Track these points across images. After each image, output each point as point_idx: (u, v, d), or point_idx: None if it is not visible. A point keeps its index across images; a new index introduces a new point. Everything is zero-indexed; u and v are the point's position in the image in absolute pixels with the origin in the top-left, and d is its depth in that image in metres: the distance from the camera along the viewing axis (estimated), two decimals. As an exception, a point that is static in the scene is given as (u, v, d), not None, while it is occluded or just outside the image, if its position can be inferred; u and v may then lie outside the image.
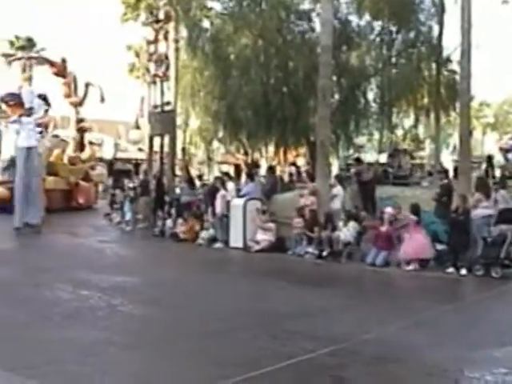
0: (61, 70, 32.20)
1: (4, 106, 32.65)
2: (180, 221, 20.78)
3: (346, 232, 16.35)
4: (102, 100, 33.22)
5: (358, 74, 25.31)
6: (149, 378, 6.85)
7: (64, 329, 8.72)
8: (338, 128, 25.32)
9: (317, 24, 24.43)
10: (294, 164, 32.41)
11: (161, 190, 23.74)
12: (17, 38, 51.42)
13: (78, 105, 33.37)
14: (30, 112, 22.37)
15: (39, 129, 23.23)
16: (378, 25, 25.62)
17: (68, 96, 32.91)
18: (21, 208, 21.00)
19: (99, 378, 6.78)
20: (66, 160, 32.09)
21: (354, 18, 25.60)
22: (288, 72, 24.65)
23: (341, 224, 16.72)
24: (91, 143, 36.01)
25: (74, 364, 7.16)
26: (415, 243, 14.72)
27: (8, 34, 53.51)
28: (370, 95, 27.34)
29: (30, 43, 48.84)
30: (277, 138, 26.50)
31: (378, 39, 25.75)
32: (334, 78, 23.29)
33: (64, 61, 32.74)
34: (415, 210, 15.19)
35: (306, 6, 25.83)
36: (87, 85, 33.39)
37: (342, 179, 19.74)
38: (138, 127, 43.35)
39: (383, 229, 15.52)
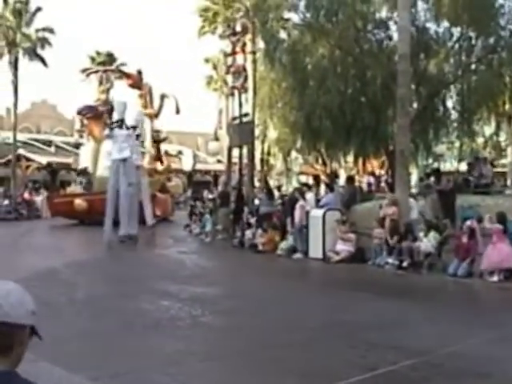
0: (136, 82, 32.48)
1: (80, 119, 33.60)
2: (259, 232, 20.84)
3: (427, 242, 16.08)
4: (178, 111, 33.26)
5: (437, 81, 24.90)
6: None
7: (146, 339, 8.86)
8: (417, 137, 24.93)
9: (394, 32, 24.23)
10: (372, 174, 32.15)
11: (240, 201, 23.87)
12: (97, 53, 52.64)
13: (153, 116, 33.66)
14: (120, 124, 22.60)
15: (137, 141, 23.47)
16: (456, 31, 25.16)
17: (144, 107, 33.07)
18: (110, 220, 21.32)
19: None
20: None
21: (431, 25, 25.22)
22: (366, 81, 24.45)
23: (421, 234, 16.47)
24: (167, 155, 36.35)
25: (155, 373, 7.27)
26: (499, 253, 14.36)
27: (89, 49, 55.07)
28: (450, 103, 26.85)
29: (110, 58, 49.87)
30: (355, 147, 26.27)
31: (456, 46, 25.26)
32: (413, 87, 22.98)
33: (140, 72, 33.09)
34: (501, 218, 14.81)
35: (383, 14, 25.63)
36: (163, 96, 33.48)
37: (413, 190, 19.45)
38: (216, 139, 43.78)
39: (465, 239, 15.20)
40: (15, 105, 45.98)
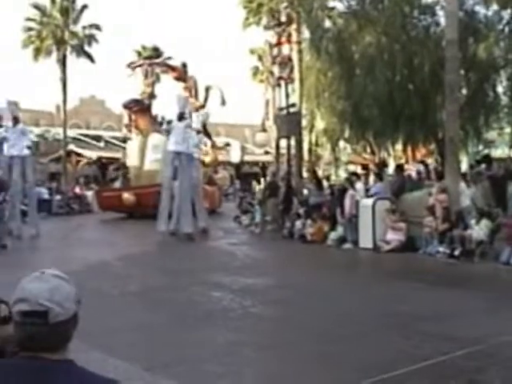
0: (181, 75, 32.44)
1: (127, 112, 33.76)
2: (309, 222, 20.79)
3: (479, 230, 15.86)
4: (223, 103, 33.03)
5: (487, 66, 24.46)
6: (283, 378, 6.90)
7: (198, 330, 8.92)
8: (467, 123, 24.58)
9: (441, 17, 23.90)
10: (422, 162, 31.83)
11: (290, 192, 23.84)
12: (143, 47, 53.04)
13: (199, 109, 33.54)
14: (181, 117, 22.62)
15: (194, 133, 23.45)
16: (506, 13, 24.68)
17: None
18: (165, 212, 21.43)
19: (234, 377, 6.89)
20: None
21: (480, 9, 24.81)
22: (413, 68, 24.17)
23: (473, 222, 16.25)
24: (214, 147, 36.32)
25: (208, 364, 7.32)
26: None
27: (135, 44, 55.48)
28: (500, 88, 26.38)
29: (156, 52, 50.17)
30: (404, 135, 26.03)
31: (506, 29, 24.80)
32: (462, 72, 22.65)
33: (184, 65, 33.06)
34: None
35: (429, -1, 25.32)
36: (208, 88, 33.35)
37: (466, 176, 19.18)
38: (264, 130, 43.71)
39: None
40: (64, 101, 46.68)
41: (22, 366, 2.17)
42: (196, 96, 33.08)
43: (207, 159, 33.15)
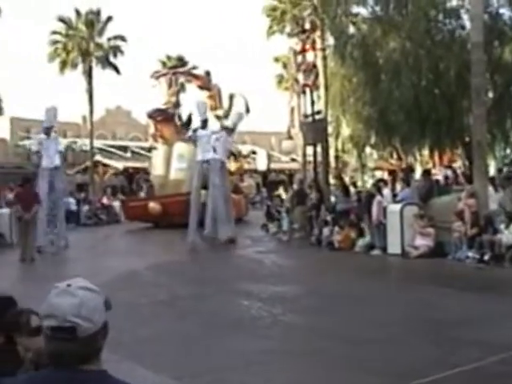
0: (205, 83, 32.25)
1: (152, 122, 33.78)
2: (336, 229, 20.72)
3: (508, 235, 15.71)
4: (248, 111, 32.67)
5: (513, 68, 24.31)
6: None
7: (227, 339, 8.90)
8: (494, 127, 24.38)
9: (466, 21, 23.76)
10: (449, 166, 31.60)
11: (319, 199, 23.78)
12: (168, 57, 53.28)
13: (223, 117, 33.26)
14: (204, 124, 22.68)
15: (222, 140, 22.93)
16: (532, 15, 24.53)
17: (214, 109, 32.53)
18: (194, 221, 21.34)
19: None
20: None
21: (505, 11, 24.66)
22: (439, 73, 24.03)
23: (502, 227, 16.09)
24: (239, 155, 36.16)
25: (237, 372, 7.30)
26: None
27: (160, 54, 55.74)
28: (527, 91, 26.19)
29: (180, 62, 50.35)
30: (431, 140, 25.85)
31: (533, 31, 24.62)
32: (488, 76, 22.49)
33: (208, 73, 32.92)
34: None
35: (453, 2, 25.16)
36: (231, 96, 33.16)
37: (494, 180, 19.03)
38: (290, 137, 43.67)
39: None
40: (91, 112, 47.04)
41: (55, 378, 2.17)
42: (220, 104, 32.98)
43: (233, 167, 32.96)
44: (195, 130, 23.35)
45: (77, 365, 2.16)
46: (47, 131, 21.65)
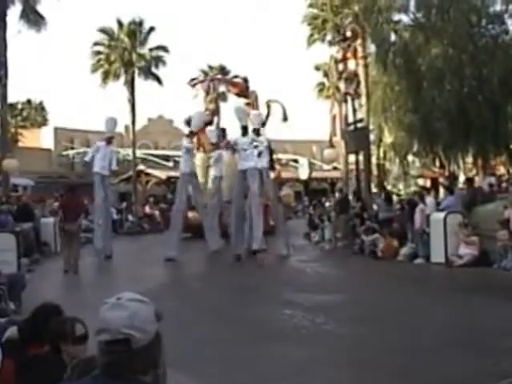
0: (243, 90, 31.69)
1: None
2: (379, 237, 20.57)
3: (556, 243, 15.45)
4: (286, 118, 31.85)
5: (559, 74, 23.96)
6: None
7: (270, 347, 8.87)
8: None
9: (510, 26, 23.54)
10: (493, 174, 31.18)
11: (362, 207, 23.65)
12: (210, 67, 53.47)
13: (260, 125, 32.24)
14: (244, 131, 22.13)
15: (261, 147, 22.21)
16: None
17: None
18: (235, 231, 21.12)
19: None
20: None
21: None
22: (482, 79, 23.81)
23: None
24: (279, 164, 35.61)
25: (282, 381, 7.28)
26: None
27: (201, 63, 56.01)
28: None
29: (222, 71, 50.45)
30: (475, 147, 25.63)
31: None
32: (533, 81, 22.27)
33: (246, 80, 32.54)
34: None
35: (497, 7, 24.91)
36: (268, 104, 32.60)
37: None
38: (332, 146, 43.51)
39: None
40: (133, 122, 47.36)
41: None
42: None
43: (271, 176, 32.19)
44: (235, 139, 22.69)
45: (132, 376, 2.17)
46: (109, 140, 21.89)
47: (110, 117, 22.37)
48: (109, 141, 21.86)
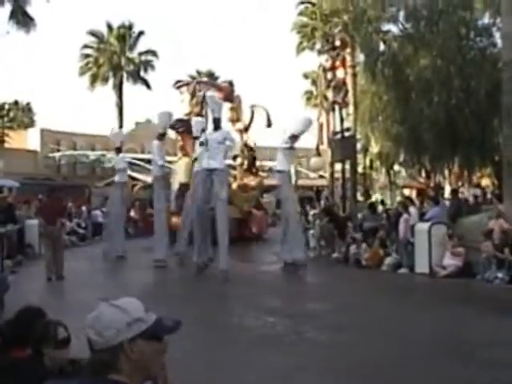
0: (228, 95, 31.18)
1: (174, 133, 33.50)
2: (364, 247, 20.59)
3: (540, 255, 15.50)
4: (269, 124, 31.38)
5: (546, 88, 24.11)
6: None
7: (251, 354, 8.85)
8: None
9: (498, 39, 23.69)
10: (478, 185, 31.36)
11: (344, 217, 23.67)
12: (198, 72, 53.50)
13: (243, 131, 31.69)
14: (216, 125, 18.66)
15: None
16: None
17: (235, 121, 31.14)
18: (199, 239, 18.81)
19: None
20: (234, 187, 30.12)
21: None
22: (470, 91, 23.95)
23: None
24: (261, 170, 35.41)
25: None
26: None
27: (190, 69, 56.00)
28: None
29: (211, 77, 50.51)
30: (461, 159, 25.77)
31: None
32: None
33: (231, 84, 32.26)
34: None
35: (485, 20, 25.07)
36: (252, 109, 31.68)
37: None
38: (318, 154, 43.56)
39: None
40: (120, 126, 47.28)
41: None
42: (241, 117, 31.60)
43: (253, 182, 31.86)
44: (204, 130, 20.24)
45: (104, 375, 2.21)
46: (161, 137, 21.74)
47: (164, 111, 22.25)
48: (160, 138, 21.77)
